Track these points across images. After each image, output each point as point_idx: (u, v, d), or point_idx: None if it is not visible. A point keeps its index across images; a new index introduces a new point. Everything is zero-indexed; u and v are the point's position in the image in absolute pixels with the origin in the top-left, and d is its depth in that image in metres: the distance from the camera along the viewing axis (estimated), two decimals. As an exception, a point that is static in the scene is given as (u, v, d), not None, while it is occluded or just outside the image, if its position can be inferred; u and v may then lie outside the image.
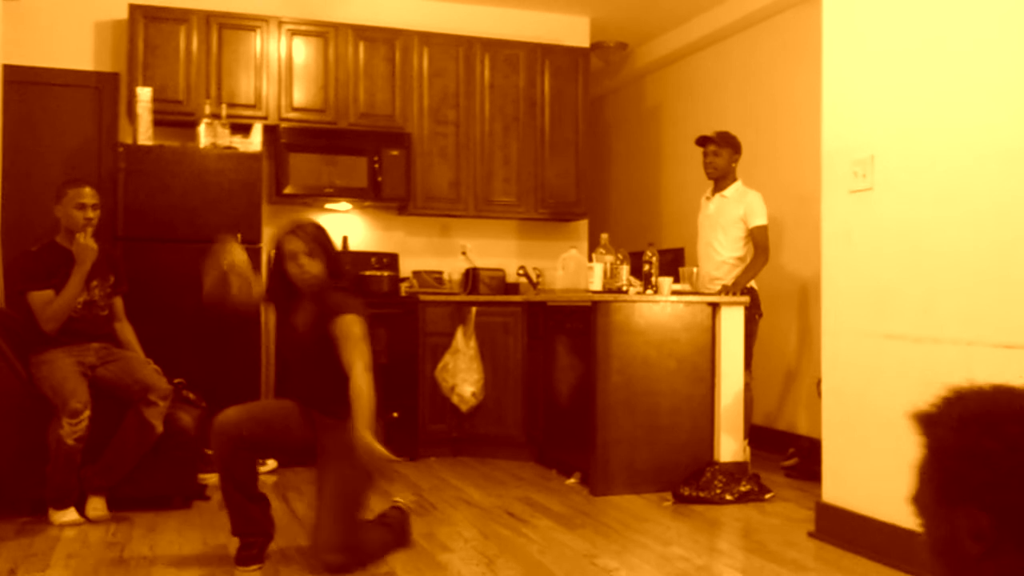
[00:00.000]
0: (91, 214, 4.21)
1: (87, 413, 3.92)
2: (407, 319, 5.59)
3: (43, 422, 3.95)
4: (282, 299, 3.54)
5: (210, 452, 4.74)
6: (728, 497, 4.42)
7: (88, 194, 4.22)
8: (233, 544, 3.40)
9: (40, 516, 3.96)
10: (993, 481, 1.14)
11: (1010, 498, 1.13)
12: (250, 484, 3.39)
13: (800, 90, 5.66)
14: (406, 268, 6.16)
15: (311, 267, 3.37)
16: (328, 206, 6.06)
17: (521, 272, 6.09)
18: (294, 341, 3.51)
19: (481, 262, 6.29)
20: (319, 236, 3.43)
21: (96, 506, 4.02)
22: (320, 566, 3.26)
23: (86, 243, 4.14)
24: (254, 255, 5.23)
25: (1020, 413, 1.16)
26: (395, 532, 3.57)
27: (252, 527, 3.36)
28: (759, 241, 5.09)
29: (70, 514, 3.94)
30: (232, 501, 3.35)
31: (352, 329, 3.32)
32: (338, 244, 5.59)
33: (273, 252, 3.49)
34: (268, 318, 5.51)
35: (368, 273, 5.75)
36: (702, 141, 5.29)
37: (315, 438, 3.41)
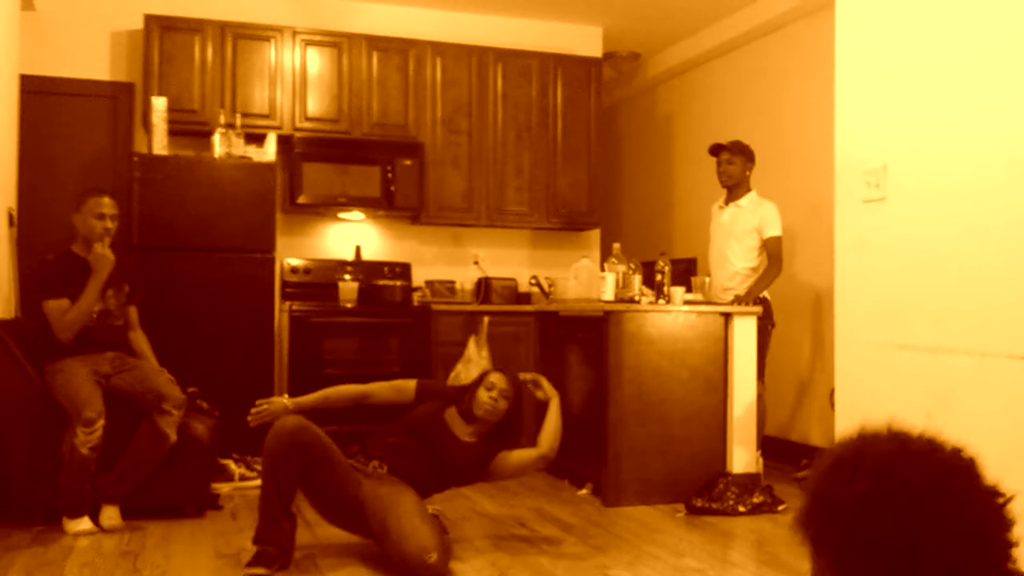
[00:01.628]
0: (109, 224, 4.24)
1: (101, 422, 3.94)
2: (419, 329, 5.59)
3: (57, 431, 3.97)
4: (446, 401, 3.83)
5: (235, 458, 4.80)
6: (741, 508, 4.41)
7: (107, 204, 4.24)
8: (246, 555, 3.40)
9: (54, 525, 3.97)
10: (832, 530, 1.12)
11: (854, 556, 1.10)
12: (289, 495, 3.38)
13: (812, 100, 5.66)
14: (419, 278, 6.17)
15: (501, 405, 3.74)
16: (341, 215, 6.08)
17: (533, 282, 6.09)
18: (444, 441, 3.69)
19: (493, 271, 6.30)
20: (519, 390, 3.85)
21: (110, 515, 4.03)
22: (420, 569, 3.24)
23: (103, 253, 4.16)
24: (267, 265, 5.26)
25: (885, 466, 1.10)
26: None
27: (275, 538, 3.34)
28: (773, 252, 5.08)
29: (84, 523, 3.95)
30: (267, 506, 3.34)
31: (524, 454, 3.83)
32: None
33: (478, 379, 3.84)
34: (282, 322, 5.53)
35: (381, 283, 5.76)
36: (715, 150, 5.29)
37: (356, 496, 3.46)
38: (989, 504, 1.08)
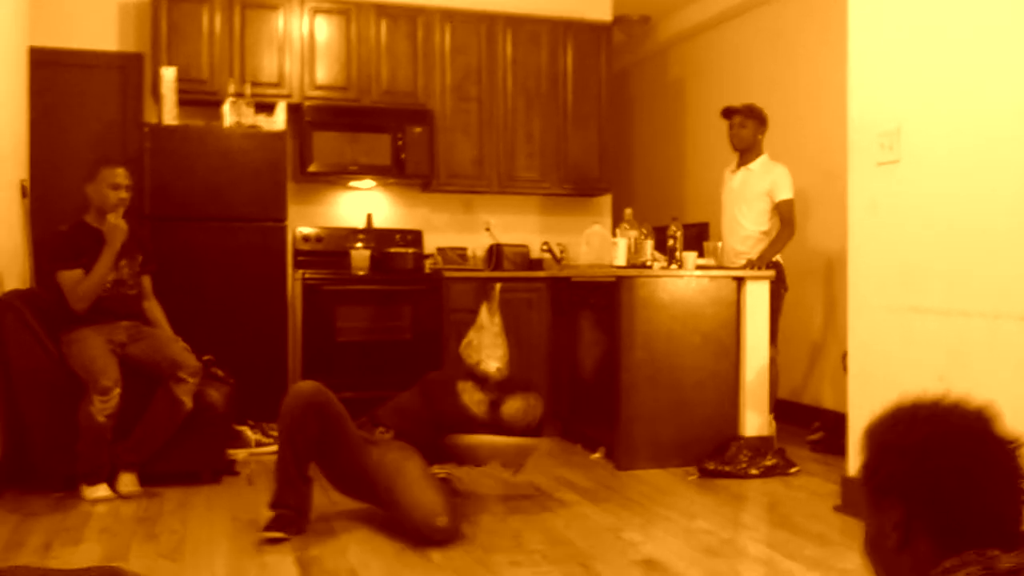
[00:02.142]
0: (124, 194, 4.26)
1: (117, 391, 3.98)
2: (431, 296, 5.61)
3: (74, 400, 4.00)
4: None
5: (250, 424, 4.84)
6: (753, 471, 4.42)
7: (121, 174, 4.27)
8: (264, 519, 3.43)
9: (73, 492, 4.02)
10: (904, 472, 1.30)
11: (920, 490, 1.28)
12: (307, 457, 3.42)
13: (826, 62, 5.60)
14: (430, 245, 6.18)
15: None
16: (352, 184, 6.08)
17: (545, 248, 6.09)
18: (449, 401, 3.77)
19: (505, 238, 6.29)
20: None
21: (127, 482, 4.08)
22: (431, 533, 3.27)
23: (116, 223, 4.18)
24: (279, 234, 5.27)
25: (937, 416, 1.33)
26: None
27: (292, 500, 3.39)
28: (785, 215, 5.06)
29: (102, 490, 4.00)
30: (284, 468, 3.39)
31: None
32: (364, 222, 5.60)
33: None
34: (294, 290, 5.56)
35: (392, 250, 5.77)
36: (728, 113, 5.25)
37: (365, 464, 3.48)
38: (1012, 446, 1.30)
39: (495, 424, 3.71)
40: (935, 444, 1.29)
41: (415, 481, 3.38)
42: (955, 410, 1.33)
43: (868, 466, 1.37)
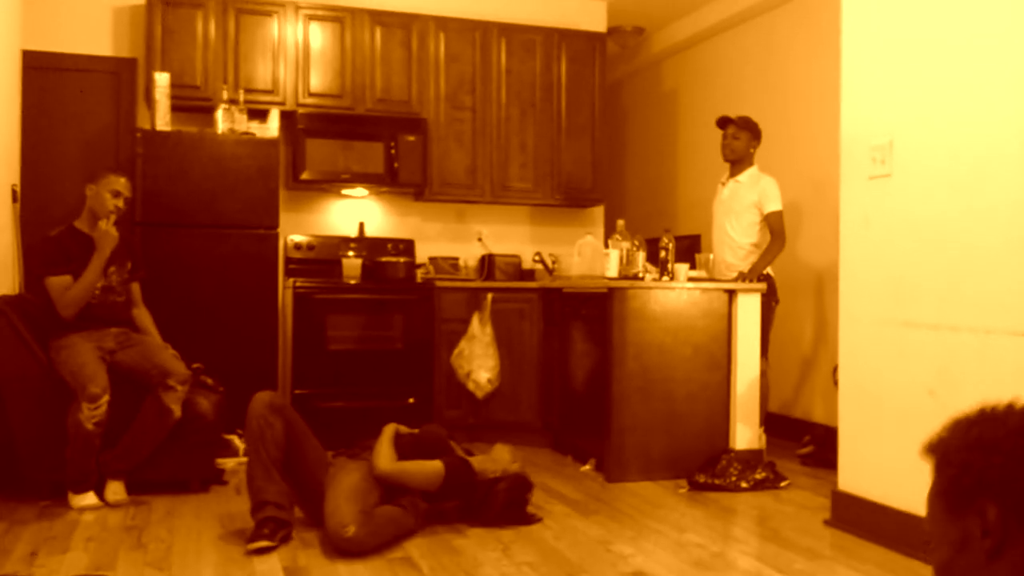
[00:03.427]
0: (121, 203, 4.27)
1: (106, 398, 3.95)
2: (423, 305, 5.59)
3: (63, 406, 3.98)
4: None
5: (239, 433, 4.82)
6: (743, 485, 4.42)
7: (123, 184, 4.30)
8: (250, 529, 3.42)
9: (60, 499, 4.00)
10: (997, 466, 1.18)
11: (1015, 484, 1.16)
12: (278, 456, 3.44)
13: (818, 75, 5.62)
14: (422, 254, 6.17)
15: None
16: (344, 192, 6.07)
17: (537, 258, 6.09)
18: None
19: (497, 248, 6.29)
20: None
21: (115, 490, 4.05)
22: (339, 543, 3.28)
23: (107, 230, 4.17)
24: (270, 241, 5.26)
25: (1017, 411, 1.22)
26: (416, 512, 3.60)
27: (272, 494, 3.38)
28: (775, 227, 5.06)
29: (89, 498, 3.98)
30: (258, 470, 3.40)
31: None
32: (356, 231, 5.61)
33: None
34: (285, 298, 5.54)
35: (384, 259, 5.76)
36: (723, 122, 5.26)
37: (322, 478, 3.55)
38: None
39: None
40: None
41: (340, 492, 3.40)
42: None
43: (955, 467, 1.24)
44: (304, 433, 3.61)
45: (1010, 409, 1.24)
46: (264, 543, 3.31)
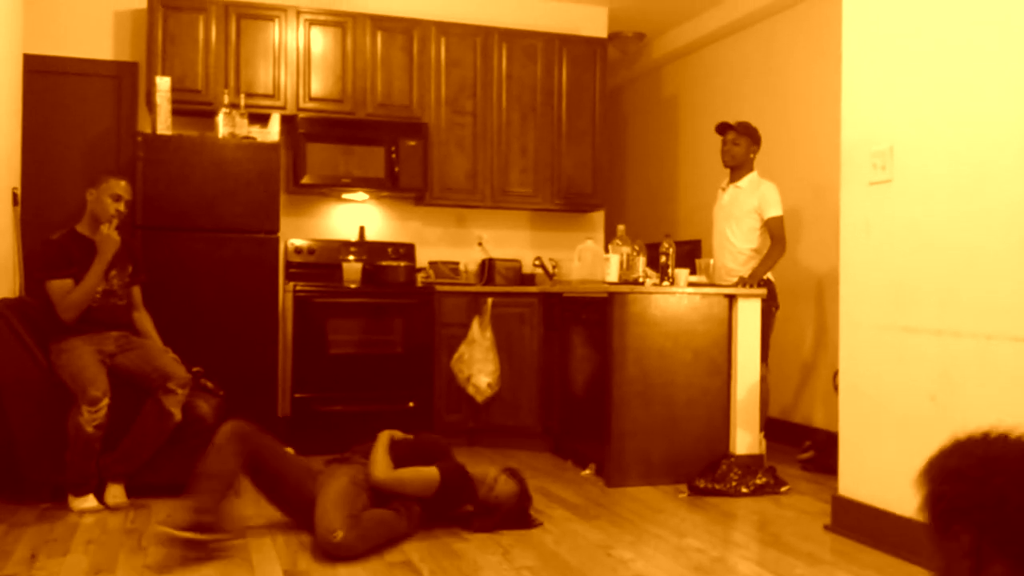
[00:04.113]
0: (122, 207, 4.28)
1: (106, 401, 3.95)
2: (423, 309, 5.60)
3: (63, 409, 3.98)
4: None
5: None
6: (744, 490, 4.42)
7: (124, 187, 4.31)
8: (250, 532, 3.42)
9: (60, 502, 4.00)
10: (965, 495, 1.29)
11: (988, 510, 1.27)
12: (237, 473, 3.50)
13: (819, 81, 5.63)
14: (422, 258, 6.17)
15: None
16: (345, 196, 6.08)
17: (537, 263, 6.09)
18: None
19: (497, 253, 6.30)
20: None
21: (115, 493, 4.06)
22: (328, 548, 3.28)
23: (109, 234, 4.17)
24: (271, 245, 5.26)
25: (994, 440, 1.33)
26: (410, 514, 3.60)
27: (209, 504, 3.36)
28: (775, 232, 5.06)
29: (89, 501, 3.98)
30: (215, 480, 3.40)
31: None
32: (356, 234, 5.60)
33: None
34: (286, 302, 5.54)
35: (384, 263, 5.76)
36: (723, 128, 5.27)
37: (310, 494, 3.53)
38: None
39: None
40: (998, 463, 1.29)
41: (328, 498, 3.41)
42: (1011, 433, 1.34)
43: (931, 496, 1.36)
44: (279, 455, 3.63)
45: (982, 438, 1.33)
46: (189, 534, 3.28)
